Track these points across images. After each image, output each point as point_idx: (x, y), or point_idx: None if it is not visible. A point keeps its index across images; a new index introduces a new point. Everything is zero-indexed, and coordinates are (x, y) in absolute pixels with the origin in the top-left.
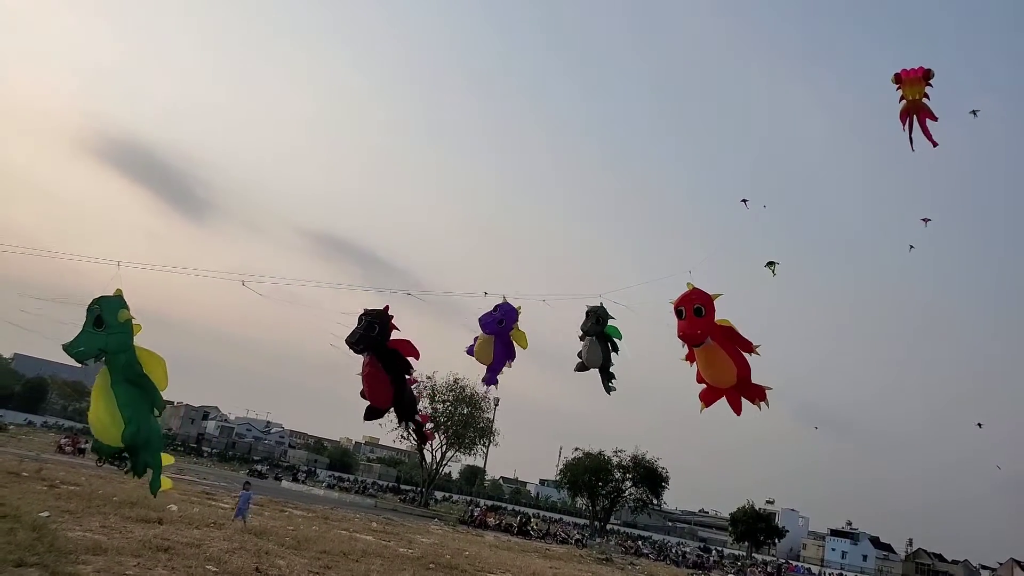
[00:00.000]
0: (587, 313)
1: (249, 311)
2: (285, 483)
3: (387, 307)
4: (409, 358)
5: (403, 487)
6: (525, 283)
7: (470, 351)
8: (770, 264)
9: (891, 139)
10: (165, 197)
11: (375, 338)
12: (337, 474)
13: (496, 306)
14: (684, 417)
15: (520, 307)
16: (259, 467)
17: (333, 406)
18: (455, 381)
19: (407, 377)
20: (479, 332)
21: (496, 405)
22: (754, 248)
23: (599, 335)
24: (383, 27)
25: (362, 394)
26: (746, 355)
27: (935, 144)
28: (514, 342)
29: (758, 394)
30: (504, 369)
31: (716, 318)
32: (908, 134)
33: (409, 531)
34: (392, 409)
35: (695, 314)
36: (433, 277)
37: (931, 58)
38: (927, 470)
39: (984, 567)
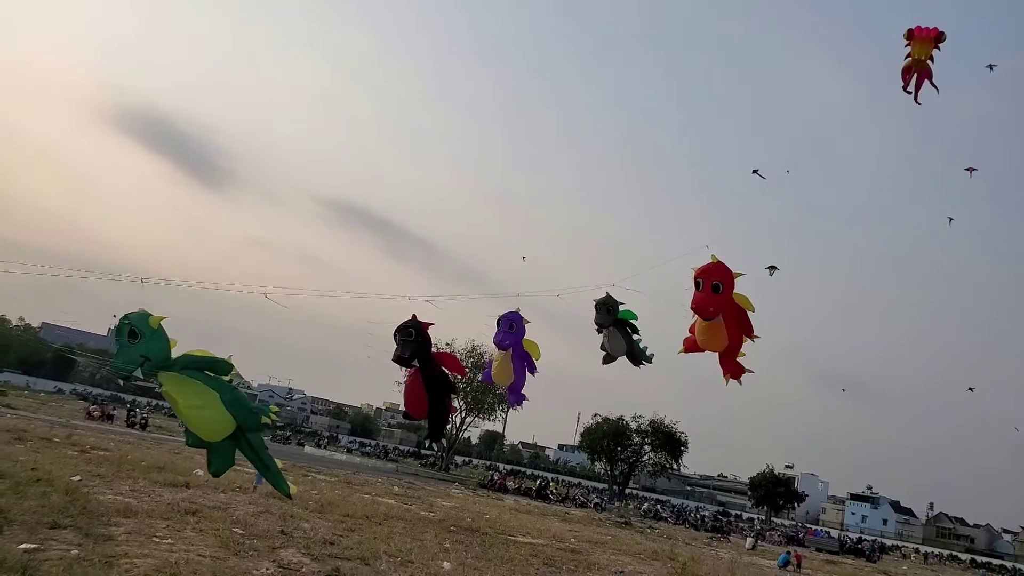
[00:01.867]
0: (596, 307)
1: (269, 279)
2: (308, 448)
3: (415, 316)
4: (454, 374)
5: (423, 452)
6: (535, 251)
7: (487, 378)
8: (770, 268)
9: (905, 103)
10: (184, 167)
11: (415, 342)
12: (359, 439)
13: (498, 320)
14: (703, 383)
15: (519, 309)
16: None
17: (354, 372)
18: (473, 348)
19: (448, 399)
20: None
21: None
22: (767, 212)
23: (616, 323)
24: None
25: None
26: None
27: (918, 102)
28: (529, 352)
29: (736, 370)
30: (526, 381)
31: (736, 292)
32: (904, 87)
33: (430, 495)
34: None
35: (713, 290)
36: (447, 243)
37: (953, 15)
38: (948, 434)
39: (1006, 531)
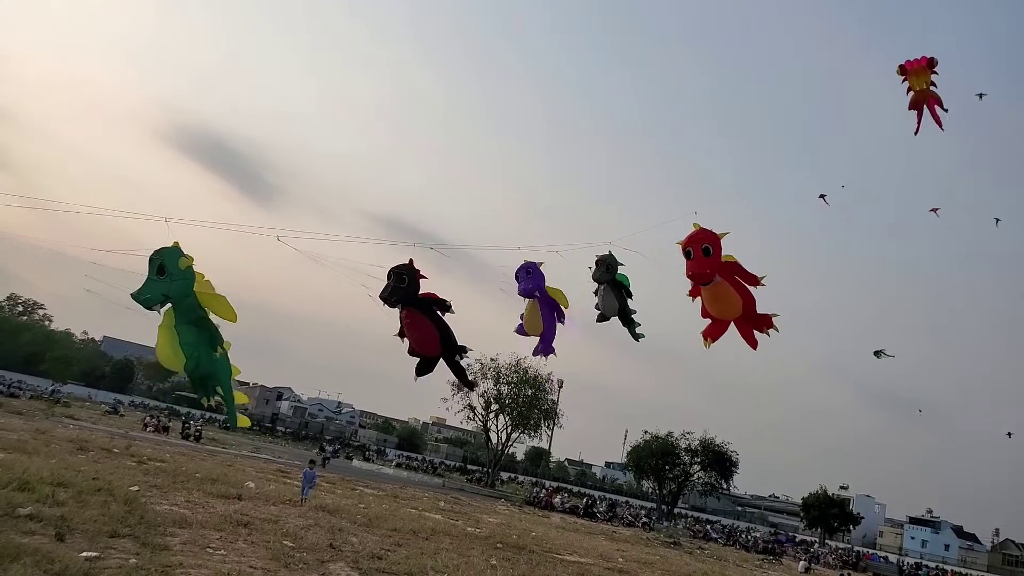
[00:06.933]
0: (596, 262)
1: (321, 293)
2: (356, 462)
3: (411, 260)
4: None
5: (469, 467)
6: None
7: (520, 330)
8: (878, 353)
9: (943, 116)
10: (236, 183)
11: (406, 289)
12: (406, 453)
13: (516, 274)
14: (755, 399)
15: (537, 262)
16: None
17: (402, 387)
18: (518, 363)
19: (445, 314)
20: (515, 295)
21: (560, 387)
22: (817, 225)
23: (611, 283)
24: (449, 23)
25: (409, 351)
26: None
27: (942, 128)
28: (556, 299)
29: (765, 322)
30: (558, 336)
31: (723, 256)
32: (917, 120)
33: (476, 511)
34: (443, 356)
35: (703, 254)
36: (494, 258)
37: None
38: (1016, 456)
39: None
